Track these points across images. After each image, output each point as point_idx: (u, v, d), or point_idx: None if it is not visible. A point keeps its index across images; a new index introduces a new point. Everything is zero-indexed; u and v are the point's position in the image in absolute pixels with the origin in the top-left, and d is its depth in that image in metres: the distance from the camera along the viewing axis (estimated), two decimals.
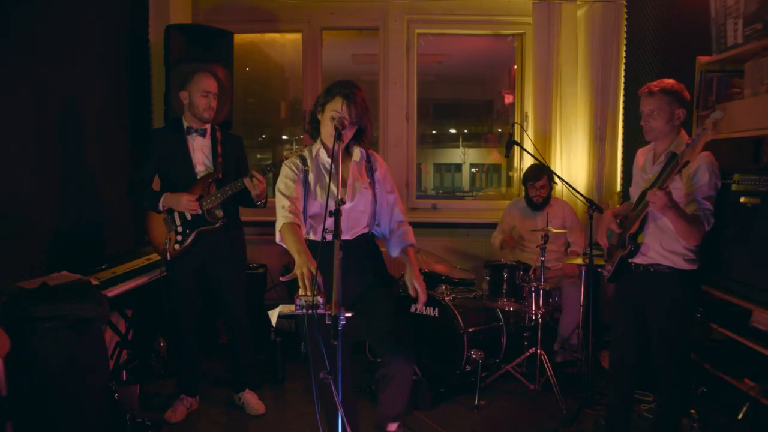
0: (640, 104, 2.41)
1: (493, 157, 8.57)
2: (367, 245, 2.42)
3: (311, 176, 2.32)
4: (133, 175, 3.11)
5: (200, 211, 2.99)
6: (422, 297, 2.28)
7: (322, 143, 2.35)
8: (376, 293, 2.40)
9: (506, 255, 4.05)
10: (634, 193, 2.58)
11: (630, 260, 2.51)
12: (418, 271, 2.32)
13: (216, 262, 3.12)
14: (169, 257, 3.01)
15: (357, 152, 2.38)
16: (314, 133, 2.38)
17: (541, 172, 3.89)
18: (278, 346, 3.62)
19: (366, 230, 2.40)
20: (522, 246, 4.02)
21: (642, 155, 2.60)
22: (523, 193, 4.14)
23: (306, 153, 2.38)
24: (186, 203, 2.96)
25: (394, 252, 2.41)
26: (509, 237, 4.01)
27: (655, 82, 2.37)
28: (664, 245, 2.40)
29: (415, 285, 2.27)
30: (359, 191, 2.33)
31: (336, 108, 2.23)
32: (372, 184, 2.38)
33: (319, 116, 2.32)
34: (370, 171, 2.39)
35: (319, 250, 1.94)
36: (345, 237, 2.30)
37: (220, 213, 3.05)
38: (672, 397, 2.48)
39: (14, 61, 2.77)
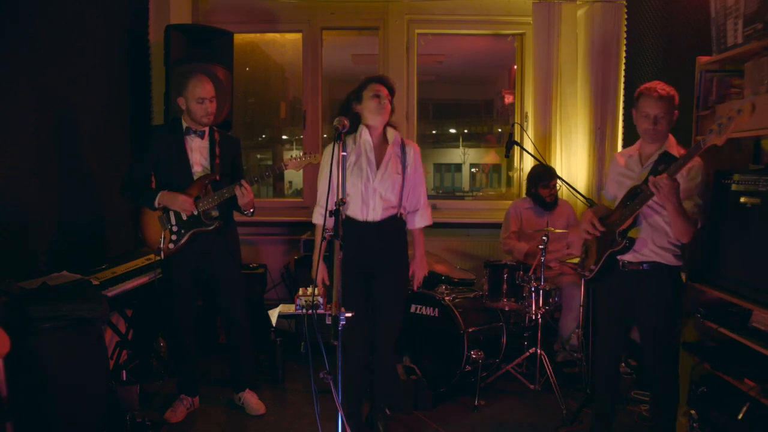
0: (645, 106, 2.44)
1: (491, 157, 8.58)
2: (395, 227, 2.74)
3: (352, 158, 2.66)
4: (128, 173, 3.08)
5: (196, 212, 2.99)
6: (417, 281, 2.83)
7: (366, 126, 2.68)
8: (392, 282, 2.75)
9: (508, 256, 4.05)
10: (617, 193, 2.60)
11: (619, 257, 2.53)
12: (422, 255, 2.84)
13: (212, 262, 3.11)
14: (163, 256, 3.00)
15: (392, 135, 2.72)
16: (354, 123, 2.67)
17: (552, 172, 3.91)
18: (278, 346, 3.62)
19: (395, 211, 2.71)
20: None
21: (622, 157, 2.65)
22: (524, 194, 4.14)
23: (350, 139, 2.69)
24: (182, 203, 2.95)
25: (411, 225, 2.84)
26: (533, 249, 3.88)
27: (658, 86, 2.41)
28: (656, 242, 2.45)
29: (415, 270, 2.82)
30: (391, 176, 2.65)
31: (374, 89, 2.62)
32: (403, 171, 2.70)
33: (356, 107, 2.66)
34: (403, 160, 2.71)
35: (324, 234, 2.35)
36: (374, 217, 2.65)
37: (216, 213, 3.05)
38: (668, 393, 2.52)
39: (15, 61, 2.77)
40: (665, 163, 2.33)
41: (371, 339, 2.79)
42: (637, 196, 2.40)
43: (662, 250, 2.45)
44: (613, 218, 2.54)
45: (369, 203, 2.64)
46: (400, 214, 2.75)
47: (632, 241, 2.46)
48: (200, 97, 2.95)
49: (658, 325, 2.47)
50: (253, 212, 3.12)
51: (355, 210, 2.64)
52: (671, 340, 2.49)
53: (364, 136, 2.67)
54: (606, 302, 2.69)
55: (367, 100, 2.64)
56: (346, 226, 2.42)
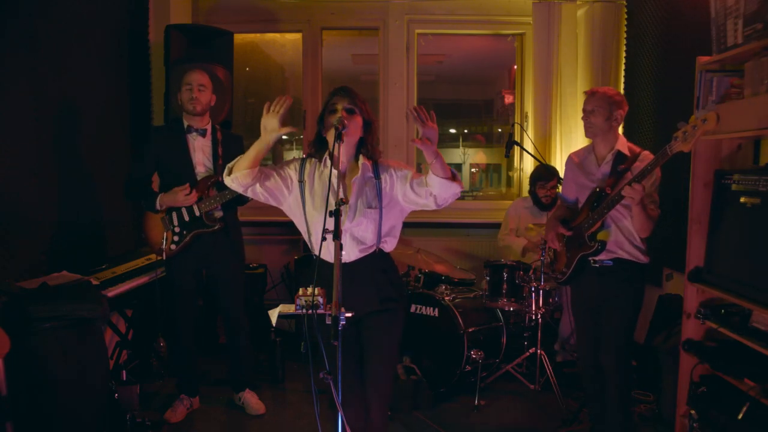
0: (583, 104, 2.64)
1: (480, 157, 8.58)
2: (375, 263, 2.24)
3: (307, 186, 2.18)
4: (129, 173, 3.09)
5: (198, 213, 2.98)
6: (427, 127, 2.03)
7: (329, 154, 2.15)
8: (380, 326, 2.24)
9: (507, 254, 4.05)
10: (578, 194, 2.73)
11: (591, 258, 2.63)
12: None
13: (214, 263, 3.12)
14: (165, 256, 3.00)
15: (361, 165, 2.20)
16: (321, 149, 2.21)
17: (552, 174, 3.90)
18: (278, 346, 3.62)
19: (373, 249, 2.22)
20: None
21: (577, 157, 2.77)
22: (525, 193, 4.13)
23: (309, 162, 2.22)
24: (182, 198, 2.95)
25: (433, 176, 2.07)
26: (531, 244, 3.88)
27: (595, 87, 2.65)
28: (626, 242, 2.59)
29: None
30: (362, 213, 2.17)
31: (330, 104, 2.13)
32: (379, 201, 2.19)
33: (324, 134, 2.17)
34: (378, 187, 2.19)
35: (316, 266, 1.87)
36: (347, 259, 2.17)
37: (219, 214, 3.05)
38: (624, 382, 2.65)
39: (14, 61, 2.77)
40: (622, 162, 2.53)
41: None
42: (602, 199, 2.53)
43: (633, 248, 2.58)
44: (579, 221, 2.66)
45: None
46: (380, 248, 2.23)
47: (603, 243, 2.59)
48: (187, 82, 2.95)
49: (630, 316, 2.61)
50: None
51: (324, 251, 2.03)
52: (631, 333, 2.64)
53: (329, 165, 2.15)
54: (578, 299, 2.80)
55: (329, 127, 2.12)
56: (319, 271, 1.89)
